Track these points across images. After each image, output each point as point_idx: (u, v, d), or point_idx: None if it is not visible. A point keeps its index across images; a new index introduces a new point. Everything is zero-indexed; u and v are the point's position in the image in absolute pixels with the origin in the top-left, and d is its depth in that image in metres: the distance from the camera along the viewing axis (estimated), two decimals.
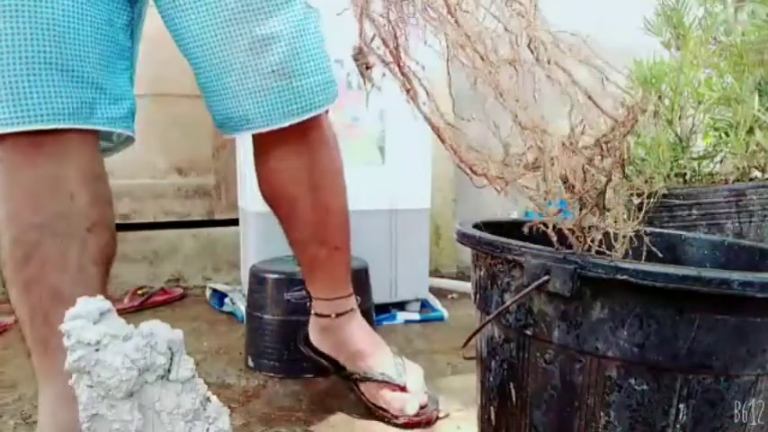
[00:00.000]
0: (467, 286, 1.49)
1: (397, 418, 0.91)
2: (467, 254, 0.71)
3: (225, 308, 1.59)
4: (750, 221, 0.97)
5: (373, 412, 0.93)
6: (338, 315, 0.95)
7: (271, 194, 0.88)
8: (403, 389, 0.93)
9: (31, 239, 0.64)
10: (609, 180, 0.52)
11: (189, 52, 0.75)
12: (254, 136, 0.80)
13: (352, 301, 0.96)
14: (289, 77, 0.74)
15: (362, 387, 0.95)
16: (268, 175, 0.86)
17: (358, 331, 0.96)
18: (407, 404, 0.90)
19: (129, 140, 0.75)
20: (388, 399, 0.92)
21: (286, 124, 0.76)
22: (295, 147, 0.81)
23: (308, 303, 1.00)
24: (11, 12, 0.60)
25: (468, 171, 0.54)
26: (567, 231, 0.55)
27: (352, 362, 0.95)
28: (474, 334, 0.64)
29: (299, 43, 0.73)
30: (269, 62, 0.72)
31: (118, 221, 0.78)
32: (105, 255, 0.70)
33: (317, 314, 0.97)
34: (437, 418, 0.94)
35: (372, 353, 0.96)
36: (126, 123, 0.71)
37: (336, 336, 0.97)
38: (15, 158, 0.65)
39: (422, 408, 0.91)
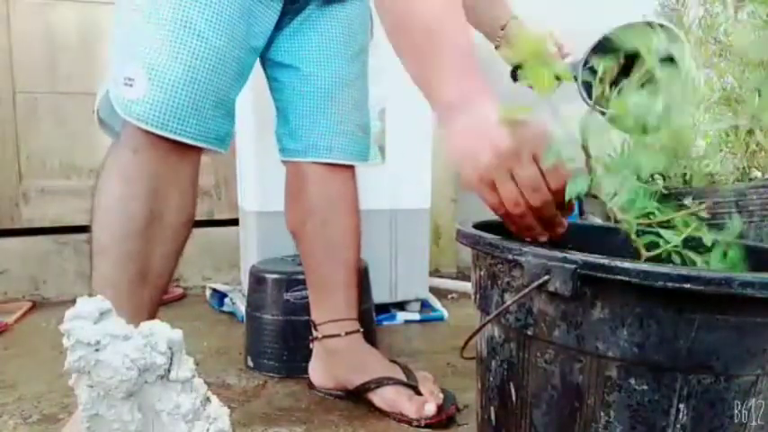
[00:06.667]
0: (467, 286, 1.49)
1: (418, 420, 0.91)
2: (467, 254, 0.71)
3: (225, 308, 1.59)
4: (750, 221, 0.97)
5: (393, 417, 0.94)
6: (347, 333, 1.00)
7: (307, 213, 0.99)
8: (417, 391, 0.94)
9: (147, 220, 0.76)
10: None
11: (300, 88, 0.94)
12: (310, 165, 0.97)
13: (358, 325, 1.03)
14: (364, 132, 1.01)
15: (378, 398, 0.96)
16: (311, 196, 0.99)
17: (365, 348, 1.03)
18: (425, 406, 0.91)
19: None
20: (406, 404, 0.93)
21: (356, 162, 1.00)
22: (342, 179, 1.00)
23: (311, 337, 1.04)
24: (215, 57, 0.76)
25: None
26: None
27: (363, 375, 0.97)
28: (474, 334, 0.64)
29: (368, 111, 1.03)
30: (359, 118, 0.99)
31: None
32: (183, 246, 0.82)
33: (324, 336, 1.01)
34: (457, 410, 0.94)
35: (381, 364, 0.99)
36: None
37: (344, 357, 1.00)
38: (160, 156, 0.76)
39: (439, 407, 0.92)
